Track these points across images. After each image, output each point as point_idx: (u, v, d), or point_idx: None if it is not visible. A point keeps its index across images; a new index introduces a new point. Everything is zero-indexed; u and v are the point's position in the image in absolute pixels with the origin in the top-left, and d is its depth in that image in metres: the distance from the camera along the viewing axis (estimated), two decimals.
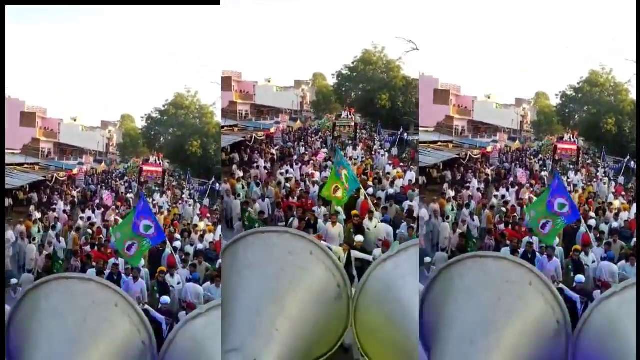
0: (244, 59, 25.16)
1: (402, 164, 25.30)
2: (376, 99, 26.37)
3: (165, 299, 16.07)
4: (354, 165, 23.84)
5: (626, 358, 8.76)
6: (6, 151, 17.77)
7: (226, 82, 26.06)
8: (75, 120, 25.63)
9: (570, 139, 25.49)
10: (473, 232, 20.80)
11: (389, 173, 24.17)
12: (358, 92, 27.00)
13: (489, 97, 25.88)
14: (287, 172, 24.51)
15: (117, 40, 23.78)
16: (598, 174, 25.08)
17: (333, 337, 10.29)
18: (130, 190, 25.33)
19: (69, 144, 25.53)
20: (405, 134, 26.30)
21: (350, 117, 26.93)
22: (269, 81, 27.43)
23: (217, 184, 24.18)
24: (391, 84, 26.26)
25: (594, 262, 17.67)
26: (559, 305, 9.72)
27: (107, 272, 17.54)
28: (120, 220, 20.36)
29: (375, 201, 20.34)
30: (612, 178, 24.78)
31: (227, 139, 25.74)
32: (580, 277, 16.31)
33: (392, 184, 22.78)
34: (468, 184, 23.96)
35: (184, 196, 25.31)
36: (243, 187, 22.50)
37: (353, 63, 26.68)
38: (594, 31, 23.52)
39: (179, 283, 17.40)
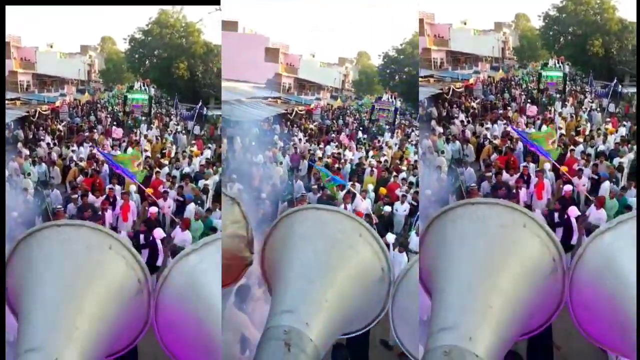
0: (289, 30, 24.51)
1: None
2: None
3: (153, 208, 18.28)
4: (389, 149, 24.53)
5: (624, 291, 8.95)
6: None
7: (273, 53, 25.58)
8: (52, 47, 24.72)
9: (555, 65, 25.08)
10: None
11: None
12: (402, 75, 26.38)
13: (465, 23, 25.15)
14: None
15: None
16: (586, 99, 24.86)
17: (370, 315, 10.87)
18: (115, 123, 25.06)
19: (47, 74, 24.82)
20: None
21: (391, 100, 26.35)
22: (314, 56, 26.68)
23: (205, 108, 23.94)
24: None
25: (584, 185, 18.38)
26: (553, 243, 9.90)
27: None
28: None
29: None
30: (601, 105, 24.48)
31: (271, 110, 25.64)
32: (568, 187, 17.13)
33: None
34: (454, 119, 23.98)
35: (171, 123, 25.00)
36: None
37: (401, 45, 26.01)
38: None
39: (169, 207, 18.93)
